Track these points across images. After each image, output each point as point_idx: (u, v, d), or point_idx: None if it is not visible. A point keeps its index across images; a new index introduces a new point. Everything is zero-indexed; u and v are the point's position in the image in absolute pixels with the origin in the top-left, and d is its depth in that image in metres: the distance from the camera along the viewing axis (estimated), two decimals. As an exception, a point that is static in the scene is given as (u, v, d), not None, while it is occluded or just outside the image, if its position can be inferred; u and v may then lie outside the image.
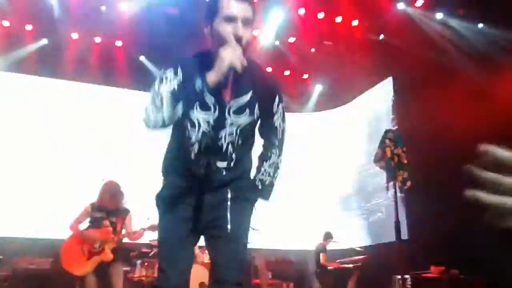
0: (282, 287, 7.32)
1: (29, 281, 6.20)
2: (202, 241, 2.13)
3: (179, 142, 2.07)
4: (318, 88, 9.77)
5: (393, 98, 8.05)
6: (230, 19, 1.90)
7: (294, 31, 8.05)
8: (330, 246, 7.92)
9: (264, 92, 2.06)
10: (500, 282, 5.84)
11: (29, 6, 7.34)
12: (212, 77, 1.86)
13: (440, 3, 7.36)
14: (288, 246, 8.73)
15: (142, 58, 8.57)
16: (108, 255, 4.60)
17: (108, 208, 4.78)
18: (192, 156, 2.02)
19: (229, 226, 1.98)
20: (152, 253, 6.06)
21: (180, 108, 1.89)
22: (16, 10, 7.33)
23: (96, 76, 8.24)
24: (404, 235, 6.28)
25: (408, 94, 7.64)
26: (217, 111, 1.96)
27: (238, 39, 1.88)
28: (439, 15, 7.38)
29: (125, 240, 4.89)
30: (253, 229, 2.11)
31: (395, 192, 3.72)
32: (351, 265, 7.41)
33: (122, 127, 8.12)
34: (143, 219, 4.89)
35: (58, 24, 7.49)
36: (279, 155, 2.20)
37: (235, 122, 2.00)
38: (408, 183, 3.59)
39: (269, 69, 7.67)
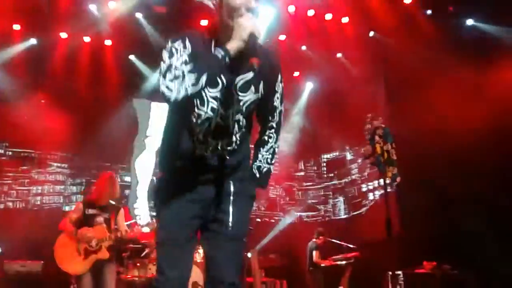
0: (275, 285, 7.33)
1: (20, 284, 6.15)
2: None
3: (184, 124, 1.96)
4: (309, 86, 9.72)
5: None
6: None
7: (284, 28, 8.03)
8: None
9: (267, 68, 2.02)
10: (491, 277, 5.89)
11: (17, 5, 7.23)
12: (233, 45, 1.83)
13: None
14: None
15: (131, 57, 8.50)
16: (105, 253, 4.54)
17: (101, 204, 4.70)
18: (201, 136, 1.94)
19: (230, 223, 1.95)
20: (144, 253, 6.03)
21: (204, 78, 1.78)
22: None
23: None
24: (396, 231, 6.29)
25: (399, 90, 7.66)
26: (224, 88, 1.89)
27: (251, 11, 1.87)
28: (429, 12, 7.40)
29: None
30: (250, 228, 2.09)
31: (385, 188, 3.73)
32: (343, 262, 7.42)
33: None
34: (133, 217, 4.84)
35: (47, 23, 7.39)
36: (277, 140, 2.17)
37: (242, 99, 1.96)
38: (398, 179, 3.60)
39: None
